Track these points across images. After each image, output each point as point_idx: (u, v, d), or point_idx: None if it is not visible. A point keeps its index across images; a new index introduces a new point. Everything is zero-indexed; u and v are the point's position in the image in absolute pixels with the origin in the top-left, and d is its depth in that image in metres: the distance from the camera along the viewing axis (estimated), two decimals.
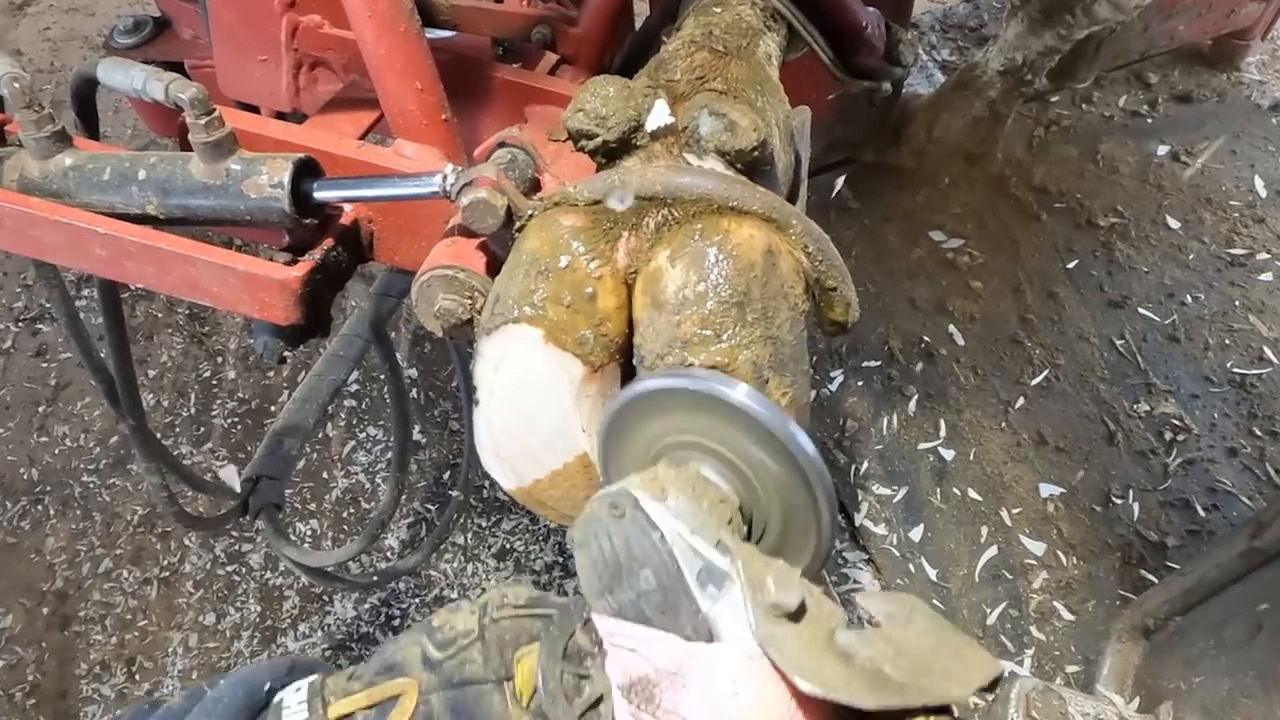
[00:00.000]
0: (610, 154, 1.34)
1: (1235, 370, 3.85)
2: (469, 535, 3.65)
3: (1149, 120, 4.77)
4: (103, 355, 2.25)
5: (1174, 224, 4.32)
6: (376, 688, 1.23)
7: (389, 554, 3.65)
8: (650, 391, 1.14)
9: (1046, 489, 3.56)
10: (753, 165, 1.32)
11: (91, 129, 1.76)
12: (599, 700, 1.14)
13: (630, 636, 1.05)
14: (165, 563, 3.67)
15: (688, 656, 1.01)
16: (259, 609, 3.54)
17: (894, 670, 0.96)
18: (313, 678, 1.27)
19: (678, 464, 1.14)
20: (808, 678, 0.94)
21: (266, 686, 1.28)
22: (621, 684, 1.05)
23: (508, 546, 3.61)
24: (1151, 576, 3.29)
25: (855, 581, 3.43)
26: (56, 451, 3.98)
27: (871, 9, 2.00)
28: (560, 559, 3.56)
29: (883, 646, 0.98)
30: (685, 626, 1.02)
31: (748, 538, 1.16)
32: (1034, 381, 3.85)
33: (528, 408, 1.24)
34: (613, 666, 1.07)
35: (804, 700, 0.96)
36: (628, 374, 1.27)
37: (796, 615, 1.00)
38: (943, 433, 3.75)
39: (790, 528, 1.15)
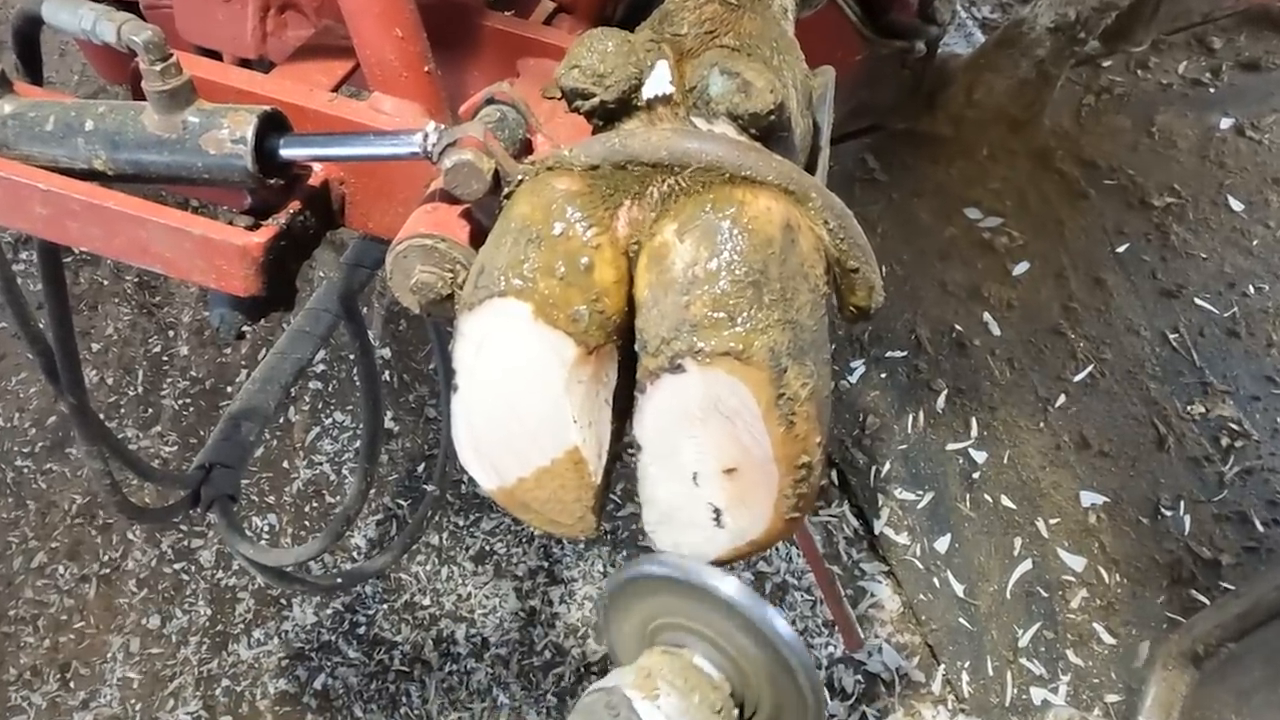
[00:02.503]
0: (608, 115, 1.33)
1: None
2: (444, 535, 3.65)
3: (1211, 89, 4.77)
4: (41, 326, 2.25)
5: (1237, 206, 4.32)
6: None
7: (355, 554, 3.66)
8: (645, 575, 1.25)
9: (1088, 497, 3.57)
10: (768, 130, 1.32)
11: (34, 73, 1.75)
12: None
13: None
14: (106, 558, 3.67)
15: None
16: (209, 612, 3.54)
17: None
18: None
19: (672, 651, 1.26)
20: None
21: None
22: None
23: (487, 549, 3.61)
24: (1203, 597, 3.30)
25: (873, 595, 3.44)
26: None
27: None
28: (545, 563, 3.57)
29: None
30: None
31: (740, 718, 1.27)
32: (1077, 378, 3.85)
33: (513, 394, 1.24)
34: None
35: None
36: (626, 361, 1.27)
37: None
38: (974, 433, 3.75)
39: (781, 711, 1.25)
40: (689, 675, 1.21)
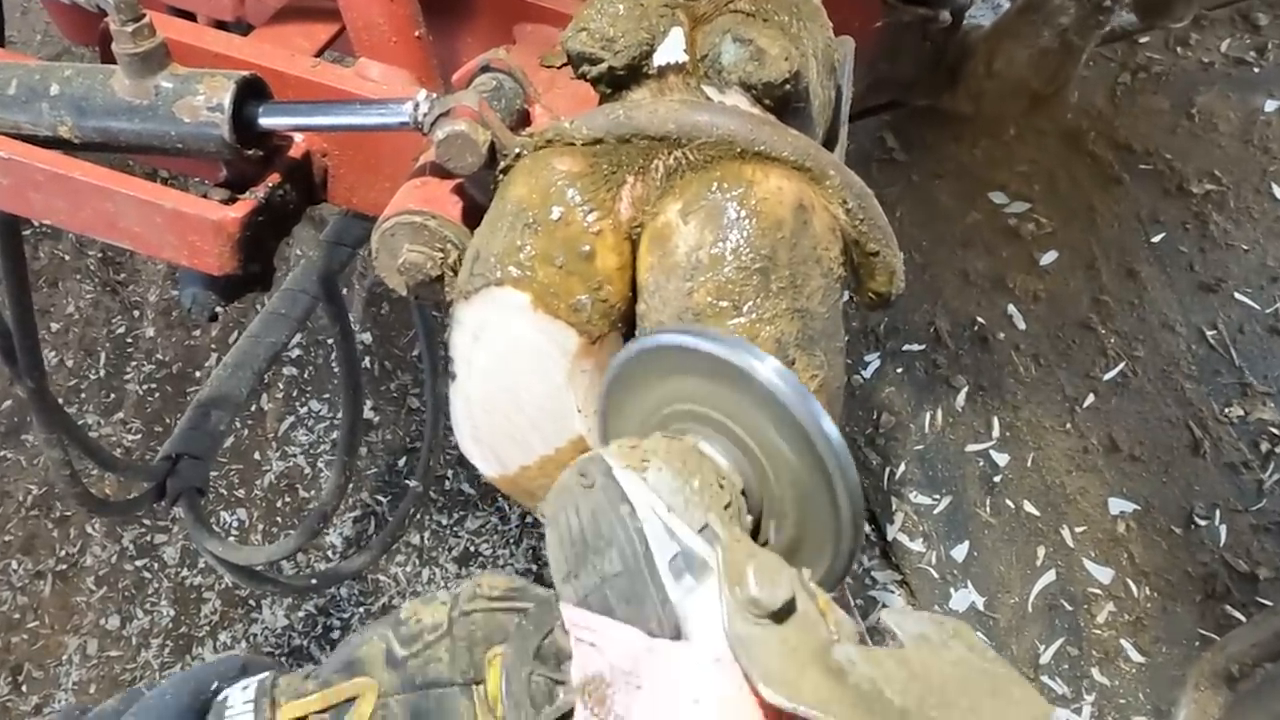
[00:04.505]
0: (616, 83, 1.34)
1: None
2: (426, 534, 3.66)
3: (1256, 70, 4.76)
4: None
5: None
6: (332, 688, 1.22)
7: (330, 553, 3.66)
8: (663, 347, 1.12)
9: (1117, 505, 3.57)
10: (783, 102, 1.32)
11: None
12: (571, 711, 1.13)
13: (592, 628, 1.04)
14: (63, 553, 3.68)
15: (646, 654, 1.00)
16: (172, 613, 3.55)
17: (898, 696, 0.93)
18: (263, 675, 1.27)
19: (674, 435, 1.13)
20: (776, 687, 0.91)
21: (214, 686, 1.28)
22: (578, 683, 1.05)
23: (472, 549, 3.62)
24: (1238, 614, 3.31)
25: (885, 606, 3.44)
26: None
27: None
28: (534, 566, 3.57)
29: (893, 668, 0.96)
30: (650, 619, 1.01)
31: (755, 533, 1.15)
32: (1107, 376, 3.85)
33: (513, 384, 1.25)
34: (573, 663, 1.07)
35: (773, 715, 0.94)
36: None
37: (781, 616, 0.97)
38: (995, 433, 3.76)
39: (806, 530, 1.13)
40: (689, 458, 1.09)
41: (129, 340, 4.15)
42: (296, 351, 4.08)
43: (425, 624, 1.24)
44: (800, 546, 1.14)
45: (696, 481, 1.06)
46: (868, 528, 3.54)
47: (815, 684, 0.92)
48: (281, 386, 4.02)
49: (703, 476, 1.07)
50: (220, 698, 1.26)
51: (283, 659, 3.44)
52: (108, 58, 1.48)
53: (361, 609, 3.53)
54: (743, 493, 1.12)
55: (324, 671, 1.24)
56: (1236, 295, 4.01)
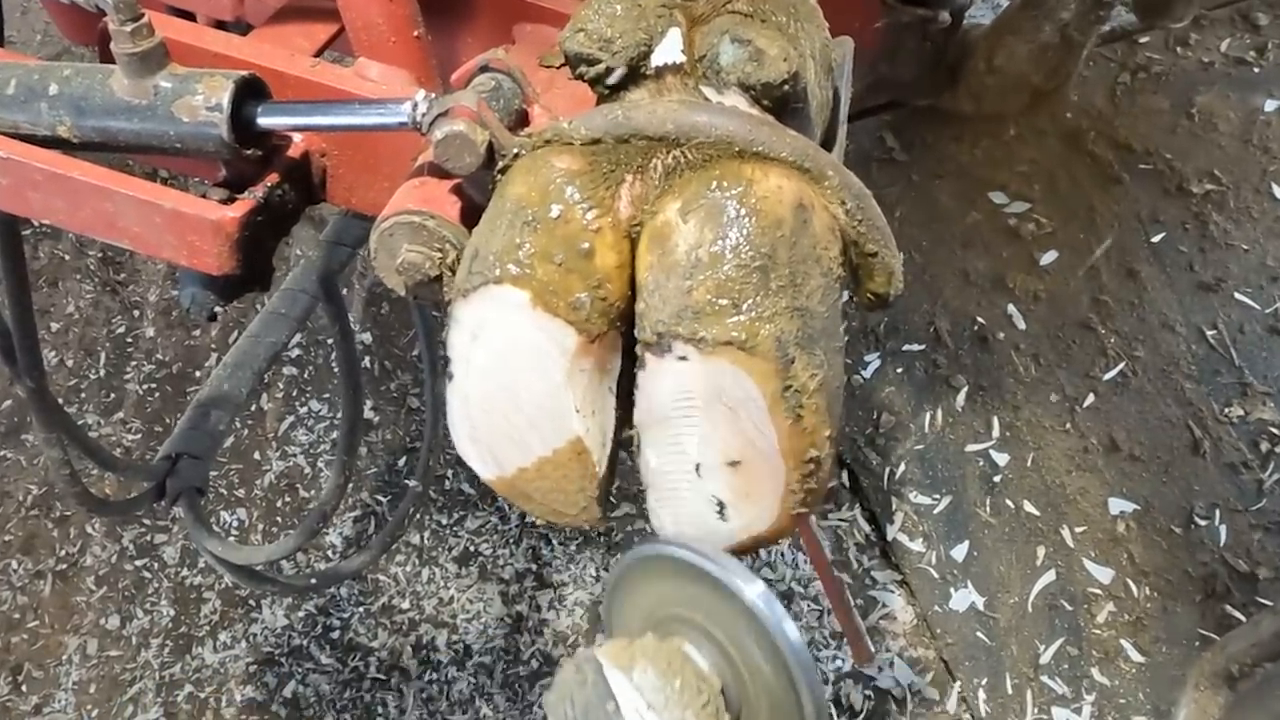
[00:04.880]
0: (614, 84, 1.34)
1: None
2: (426, 534, 3.66)
3: (1256, 69, 4.76)
4: None
5: None
6: None
7: (330, 553, 3.66)
8: (666, 557, 1.23)
9: (1117, 505, 3.57)
10: (782, 103, 1.32)
11: None
12: None
13: None
14: (63, 553, 3.68)
15: None
16: (172, 613, 3.55)
17: None
18: None
19: (665, 637, 1.23)
20: None
21: None
22: None
23: (472, 549, 3.62)
24: (1238, 614, 3.31)
25: (885, 606, 3.45)
26: None
27: None
28: (533, 566, 3.58)
29: None
30: None
31: None
32: (1107, 376, 3.86)
33: (511, 384, 1.25)
34: None
35: None
36: (631, 346, 1.27)
37: None
38: (995, 433, 3.76)
39: None
40: (674, 659, 1.20)
41: (129, 340, 4.15)
42: (296, 351, 4.08)
43: None
44: None
45: (678, 682, 1.18)
46: (868, 527, 3.55)
47: None
48: (281, 386, 4.02)
49: (684, 678, 1.19)
50: None
51: (283, 659, 3.45)
52: (107, 57, 1.48)
53: (361, 609, 3.53)
54: (722, 692, 1.22)
55: None
56: (1236, 295, 4.02)
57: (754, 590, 1.16)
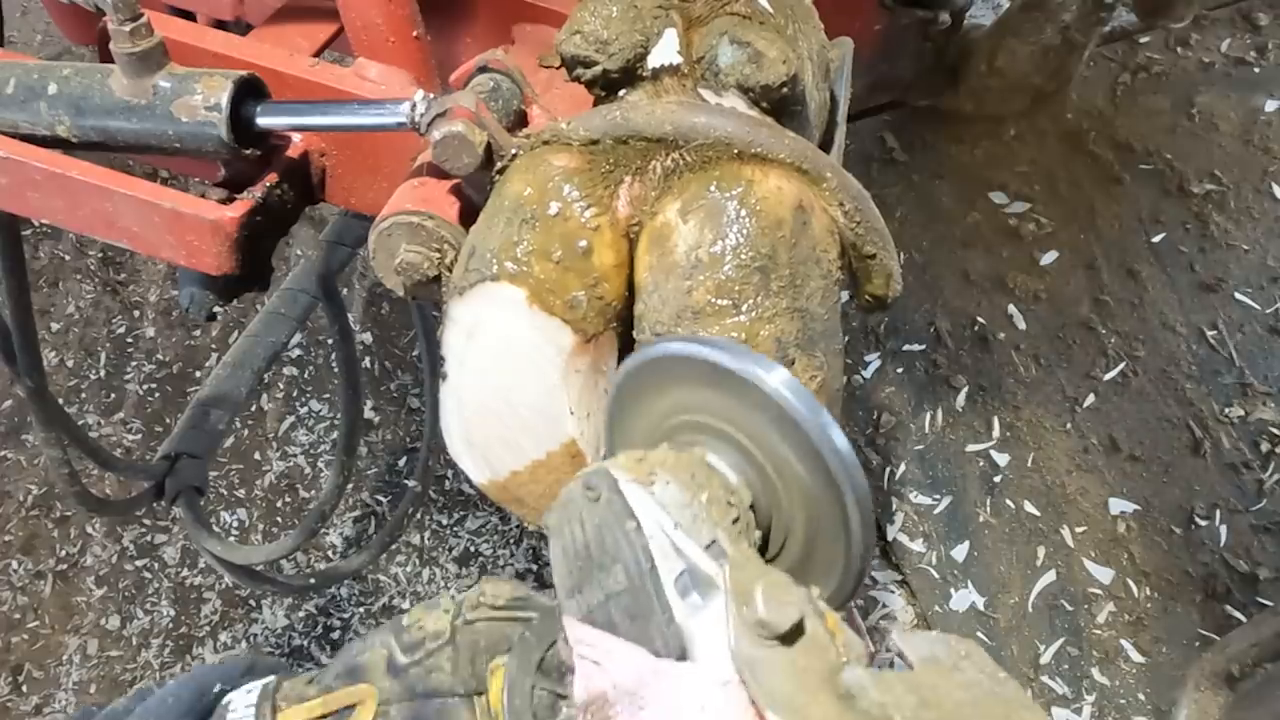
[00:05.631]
0: (611, 85, 1.34)
1: None
2: (426, 534, 3.66)
3: (1256, 69, 4.76)
4: None
5: None
6: (332, 694, 1.21)
7: (330, 553, 3.66)
8: (670, 357, 1.10)
9: (1117, 505, 3.57)
10: (780, 104, 1.32)
11: None
12: None
13: (595, 646, 1.01)
14: (63, 553, 3.68)
15: (651, 675, 0.97)
16: (172, 613, 3.55)
17: None
18: (267, 679, 1.26)
19: (681, 447, 1.11)
20: (784, 713, 0.89)
21: (217, 688, 1.28)
22: (581, 701, 1.01)
23: (472, 549, 3.62)
24: (1238, 614, 3.31)
25: (885, 606, 3.45)
26: None
27: None
28: (534, 566, 3.57)
29: (903, 693, 0.91)
30: (655, 639, 0.98)
31: (763, 549, 1.13)
32: (1107, 376, 3.85)
33: (506, 384, 1.24)
34: (576, 679, 1.02)
35: None
36: (625, 347, 1.27)
37: (789, 638, 0.94)
38: (996, 433, 3.75)
39: (815, 545, 1.11)
40: (697, 472, 1.06)
41: (129, 340, 4.15)
42: (296, 351, 4.08)
43: (428, 631, 1.23)
44: (809, 563, 1.13)
45: (704, 496, 1.05)
46: None
47: (824, 710, 0.90)
48: (281, 386, 4.01)
49: (711, 491, 1.06)
50: (224, 700, 1.25)
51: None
52: (106, 57, 1.48)
53: (361, 609, 3.53)
54: (751, 507, 1.10)
55: (326, 677, 1.24)
56: (1236, 295, 4.01)
57: (777, 378, 1.03)
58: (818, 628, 0.96)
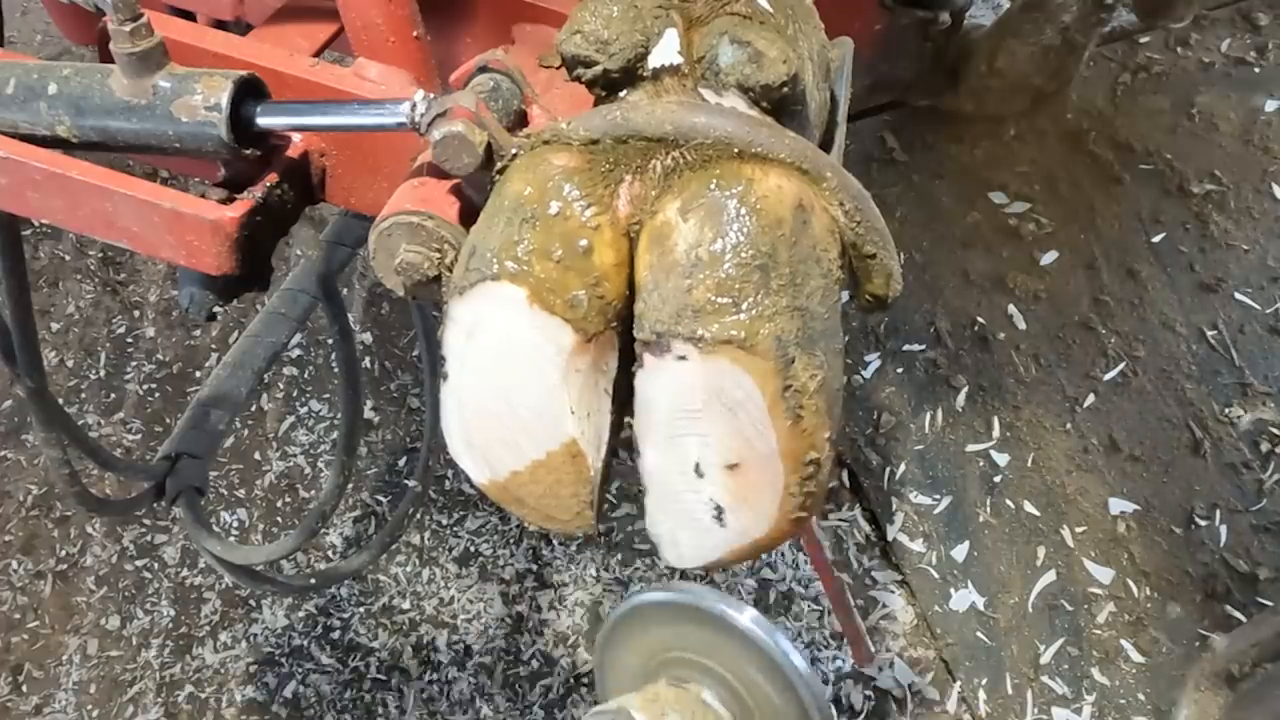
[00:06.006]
0: (611, 85, 1.33)
1: None
2: (426, 534, 3.66)
3: (1257, 69, 4.76)
4: None
5: None
6: None
7: (330, 553, 3.66)
8: (656, 604, 1.26)
9: (1117, 505, 3.57)
10: (781, 104, 1.32)
11: None
12: None
13: None
14: (63, 553, 3.68)
15: None
16: (172, 613, 3.55)
17: None
18: None
19: (678, 684, 1.25)
20: None
21: None
22: None
23: (472, 550, 3.62)
24: (1239, 614, 3.31)
25: (885, 606, 3.45)
26: None
27: None
28: (534, 566, 3.57)
29: None
30: None
31: None
32: (1107, 376, 3.86)
33: (506, 384, 1.24)
34: None
35: None
36: (626, 346, 1.27)
37: None
38: (996, 433, 3.76)
39: None
40: (697, 711, 1.20)
41: (129, 340, 4.15)
42: (296, 351, 4.08)
43: None
44: None
45: None
46: (868, 528, 3.55)
47: None
48: (281, 386, 4.02)
49: None
50: None
51: (283, 659, 3.45)
52: (106, 57, 1.48)
53: (361, 609, 3.53)
54: None
55: None
56: (1237, 295, 4.01)
57: (747, 617, 1.19)
58: None
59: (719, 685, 1.21)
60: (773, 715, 1.21)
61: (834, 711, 1.15)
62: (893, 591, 3.48)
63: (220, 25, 1.89)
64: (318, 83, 1.57)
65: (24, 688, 3.42)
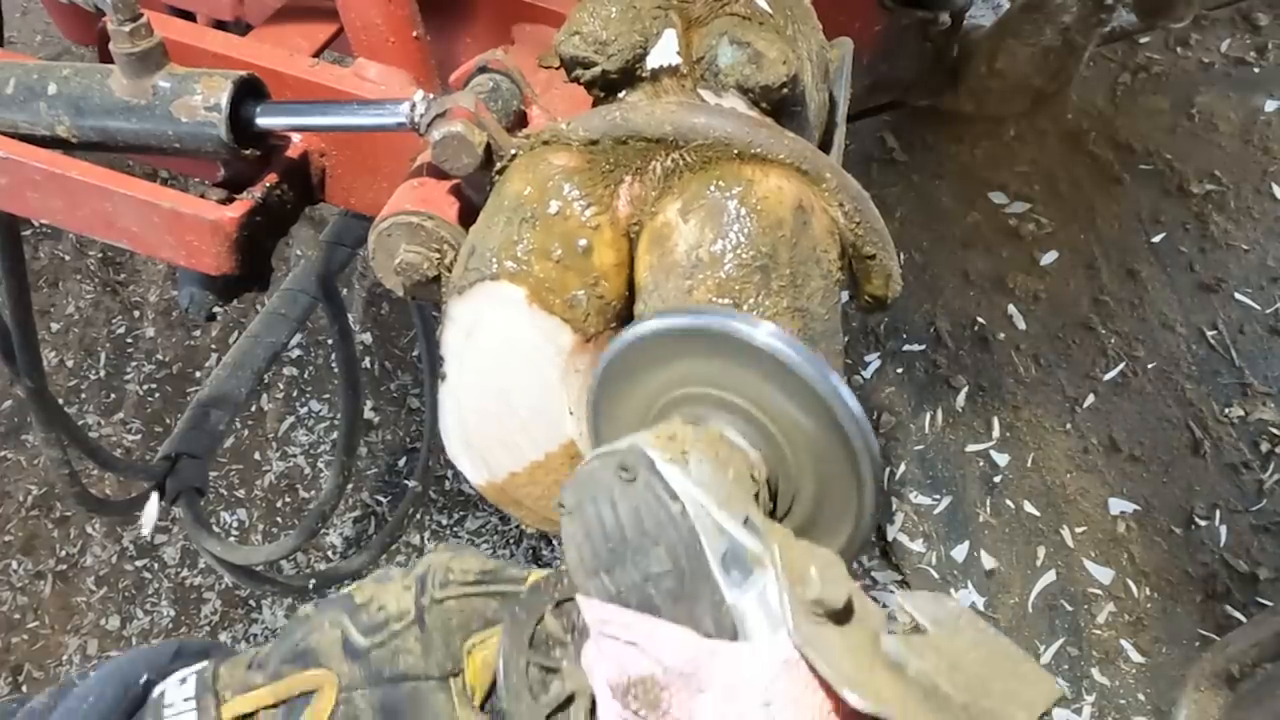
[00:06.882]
0: (610, 86, 1.33)
1: None
2: (426, 534, 3.65)
3: (1256, 70, 4.76)
4: None
5: None
6: (283, 681, 1.16)
7: (330, 553, 3.66)
8: (653, 334, 1.09)
9: (1117, 505, 3.57)
10: (780, 105, 1.32)
11: None
12: (570, 699, 1.10)
13: (631, 627, 1.00)
14: (63, 554, 3.68)
15: (707, 656, 0.96)
16: (172, 613, 3.55)
17: (951, 688, 0.93)
18: (201, 666, 1.20)
19: (695, 421, 1.09)
20: (860, 691, 0.89)
21: (144, 679, 1.21)
22: (616, 683, 1.00)
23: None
24: (1238, 614, 3.31)
25: (885, 606, 3.43)
26: None
27: None
28: (534, 567, 3.57)
29: (935, 658, 0.95)
30: (704, 619, 0.97)
31: (773, 513, 1.13)
32: (1107, 376, 3.85)
33: (505, 384, 1.24)
34: (604, 661, 1.02)
35: (848, 716, 0.92)
36: None
37: (842, 616, 0.95)
38: (996, 433, 3.75)
39: (824, 502, 1.11)
40: (721, 448, 1.05)
41: (129, 340, 4.15)
42: (296, 351, 4.08)
43: (390, 611, 1.20)
44: (818, 519, 1.13)
45: (731, 472, 1.04)
46: None
47: (886, 684, 0.91)
48: (281, 386, 4.02)
49: (736, 467, 1.05)
50: (156, 693, 1.20)
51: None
52: (106, 58, 1.48)
53: None
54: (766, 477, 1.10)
55: (270, 661, 1.19)
56: (1236, 295, 4.01)
57: (765, 331, 1.03)
58: (861, 602, 0.97)
59: (740, 419, 1.08)
60: (805, 444, 1.07)
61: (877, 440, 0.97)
62: (893, 592, 3.47)
63: (220, 25, 1.89)
64: (318, 83, 1.57)
65: (24, 688, 3.42)
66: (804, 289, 1.19)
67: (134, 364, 4.09)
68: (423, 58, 1.62)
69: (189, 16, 1.89)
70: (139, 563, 3.65)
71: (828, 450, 1.06)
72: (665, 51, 1.31)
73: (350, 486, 3.58)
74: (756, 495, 1.06)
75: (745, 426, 1.09)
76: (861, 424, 1.03)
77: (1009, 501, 3.61)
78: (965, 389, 3.84)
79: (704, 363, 1.08)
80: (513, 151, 1.28)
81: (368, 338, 4.09)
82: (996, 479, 3.65)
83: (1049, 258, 4.13)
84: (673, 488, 0.99)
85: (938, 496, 3.64)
